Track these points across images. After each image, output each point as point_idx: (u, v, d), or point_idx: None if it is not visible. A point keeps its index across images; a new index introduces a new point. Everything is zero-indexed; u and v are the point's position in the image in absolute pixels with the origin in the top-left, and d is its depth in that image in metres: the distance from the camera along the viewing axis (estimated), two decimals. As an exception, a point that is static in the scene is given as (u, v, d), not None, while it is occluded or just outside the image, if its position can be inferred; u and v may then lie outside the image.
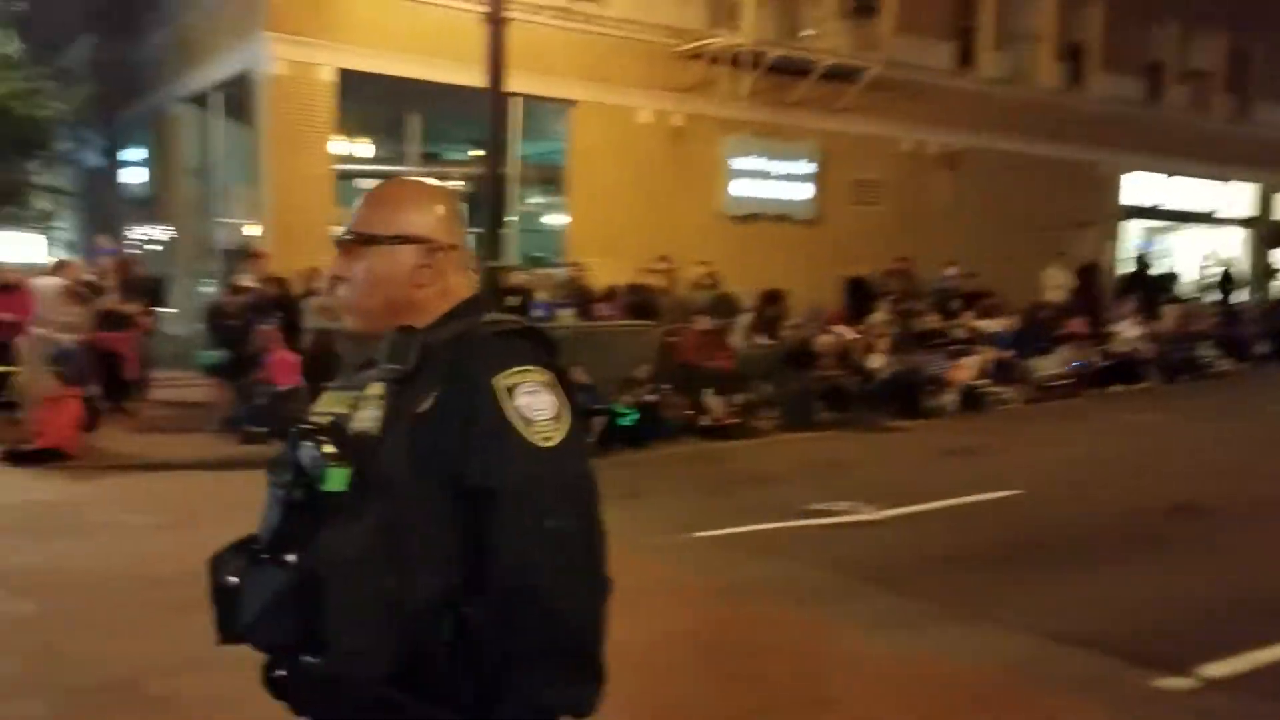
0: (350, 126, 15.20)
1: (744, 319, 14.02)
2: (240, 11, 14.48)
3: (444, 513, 1.53)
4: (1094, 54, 21.65)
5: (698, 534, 7.22)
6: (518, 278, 12.57)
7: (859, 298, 15.85)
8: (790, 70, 17.09)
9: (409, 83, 14.13)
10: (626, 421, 10.38)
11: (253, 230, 14.59)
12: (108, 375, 10.58)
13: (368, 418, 1.59)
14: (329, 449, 1.53)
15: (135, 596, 5.60)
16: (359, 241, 1.71)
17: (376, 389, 1.62)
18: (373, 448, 1.55)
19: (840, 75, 17.39)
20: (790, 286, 15.12)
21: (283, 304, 10.54)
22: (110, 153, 21.15)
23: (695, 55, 16.44)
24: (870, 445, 11.28)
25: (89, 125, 19.86)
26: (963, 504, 8.25)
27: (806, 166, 18.06)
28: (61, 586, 5.74)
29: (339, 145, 14.61)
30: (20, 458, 8.66)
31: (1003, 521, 7.81)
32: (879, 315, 14.51)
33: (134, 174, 20.40)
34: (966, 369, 13.34)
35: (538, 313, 12.25)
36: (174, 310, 14.21)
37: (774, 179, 17.83)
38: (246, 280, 10.80)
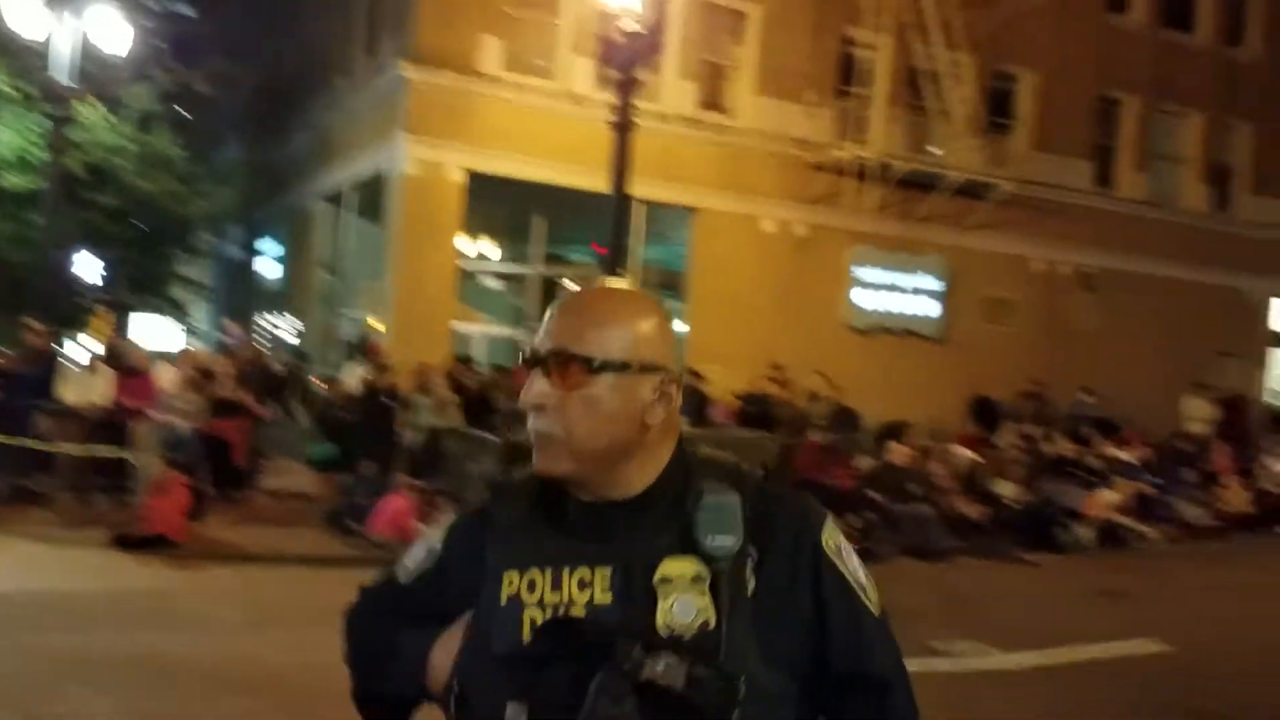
0: (476, 226, 15.48)
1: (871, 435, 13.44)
2: (380, 114, 15.02)
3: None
4: (1243, 177, 20.72)
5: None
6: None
7: (987, 420, 15.12)
8: (919, 184, 16.80)
9: (534, 185, 14.34)
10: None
11: (374, 324, 14.84)
12: (218, 463, 10.65)
13: (696, 608, 1.28)
14: (702, 669, 1.23)
15: (208, 702, 5.39)
16: (584, 367, 1.33)
17: (686, 567, 1.30)
18: (720, 652, 1.27)
19: (971, 191, 17.00)
20: (914, 403, 14.52)
21: (389, 400, 10.45)
22: (249, 246, 22.11)
23: (822, 166, 16.30)
24: (997, 579, 10.47)
25: (232, 221, 20.83)
26: (1101, 656, 7.46)
27: (934, 282, 17.57)
28: (139, 683, 5.55)
29: (464, 244, 14.86)
30: (128, 543, 8.67)
31: (1147, 680, 6.98)
32: (1007, 439, 13.75)
33: (269, 267, 21.22)
34: (1105, 502, 12.42)
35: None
36: (296, 401, 14.43)
37: (900, 292, 17.39)
38: (357, 373, 10.82)
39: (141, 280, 18.18)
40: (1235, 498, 14.06)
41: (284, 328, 18.98)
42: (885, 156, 16.41)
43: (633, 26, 9.76)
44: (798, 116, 16.33)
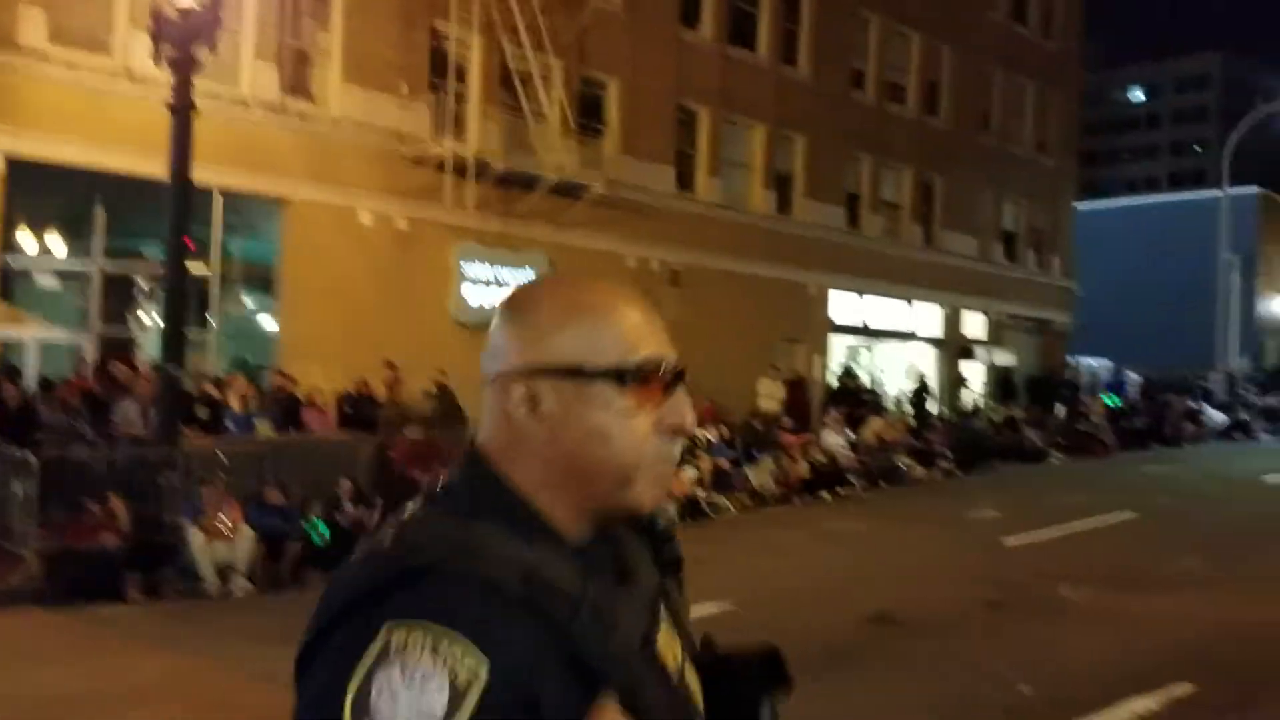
0: (24, 219, 13.72)
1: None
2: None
3: None
4: (799, 183, 23.26)
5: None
6: (208, 386, 11.50)
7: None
8: (518, 182, 17.16)
9: (94, 173, 12.94)
10: (320, 543, 9.55)
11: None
12: None
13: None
14: None
15: None
16: None
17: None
18: None
19: (567, 191, 17.62)
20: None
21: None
22: None
23: (420, 161, 16.15)
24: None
25: None
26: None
27: (536, 277, 18.01)
28: None
29: (15, 239, 13.13)
30: None
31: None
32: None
33: None
34: (687, 478, 13.41)
35: (230, 425, 11.23)
36: None
37: (507, 288, 17.61)
38: None
39: None
40: (797, 467, 15.76)
41: None
42: (483, 154, 16.58)
43: (188, 2, 9.07)
44: (390, 108, 16.05)
